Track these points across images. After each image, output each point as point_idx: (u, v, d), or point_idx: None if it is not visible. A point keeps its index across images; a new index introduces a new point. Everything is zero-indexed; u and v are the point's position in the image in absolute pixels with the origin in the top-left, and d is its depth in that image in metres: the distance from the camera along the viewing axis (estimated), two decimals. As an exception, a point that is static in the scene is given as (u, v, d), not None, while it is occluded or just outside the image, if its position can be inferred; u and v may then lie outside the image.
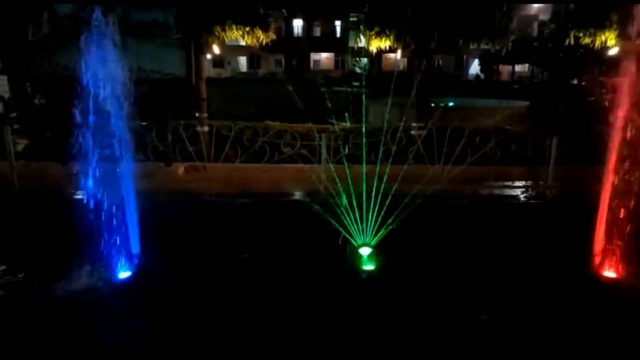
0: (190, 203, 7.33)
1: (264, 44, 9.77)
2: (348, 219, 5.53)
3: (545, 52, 26.27)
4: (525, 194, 8.57)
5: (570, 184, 7.73)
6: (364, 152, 5.84)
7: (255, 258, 5.76)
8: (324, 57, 53.34)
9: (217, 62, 46.41)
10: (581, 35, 9.57)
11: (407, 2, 8.49)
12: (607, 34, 9.16)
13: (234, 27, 9.30)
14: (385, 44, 9.71)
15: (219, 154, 9.25)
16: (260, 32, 9.48)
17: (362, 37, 9.49)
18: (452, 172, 8.47)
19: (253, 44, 9.71)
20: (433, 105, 16.92)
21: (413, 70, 10.90)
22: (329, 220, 5.53)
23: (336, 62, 52.09)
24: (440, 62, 44.37)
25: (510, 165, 9.26)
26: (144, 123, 8.75)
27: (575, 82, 25.03)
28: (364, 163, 5.76)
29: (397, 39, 9.51)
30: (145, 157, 8.69)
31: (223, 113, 11.65)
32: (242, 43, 10.00)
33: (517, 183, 9.07)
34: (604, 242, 5.40)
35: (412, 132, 10.27)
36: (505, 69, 45.24)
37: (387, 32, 9.46)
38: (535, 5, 39.95)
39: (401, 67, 29.26)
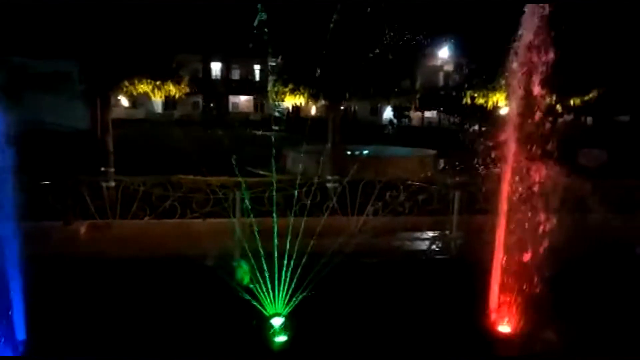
0: (85, 268, 6.79)
1: (176, 97, 9.62)
2: (258, 284, 5.41)
3: (449, 101, 28.37)
4: (431, 247, 8.99)
5: (473, 235, 8.20)
6: (274, 207, 5.76)
7: (153, 337, 5.38)
8: (243, 100, 53.59)
9: (130, 102, 44.99)
10: (476, 95, 10.43)
11: (320, 60, 8.80)
12: (497, 95, 10.08)
13: (143, 81, 9.08)
14: (299, 100, 9.97)
15: (127, 211, 8.82)
16: (172, 85, 9.33)
17: (275, 94, 9.67)
18: (366, 225, 8.73)
19: (162, 98, 9.53)
20: (349, 153, 17.52)
21: (334, 118, 11.26)
22: (237, 286, 5.39)
23: (255, 105, 52.50)
24: (356, 107, 46.21)
25: (419, 215, 9.71)
26: (41, 179, 8.18)
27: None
28: (274, 219, 5.65)
29: (312, 96, 9.81)
30: (42, 216, 8.07)
31: (134, 162, 11.20)
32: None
33: (425, 235, 9.50)
34: (498, 297, 5.71)
35: (328, 185, 10.51)
36: (416, 114, 48.02)
37: (302, 90, 9.73)
38: (441, 57, 43.10)
39: (320, 113, 30.11)
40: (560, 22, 5.87)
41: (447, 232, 9.53)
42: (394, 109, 41.72)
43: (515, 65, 5.71)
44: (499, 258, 5.74)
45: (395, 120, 42.98)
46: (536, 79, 5.76)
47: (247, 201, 7.00)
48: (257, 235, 5.53)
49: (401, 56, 9.74)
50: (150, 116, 46.12)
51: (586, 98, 16.23)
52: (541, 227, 5.64)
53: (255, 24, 5.45)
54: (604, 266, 7.13)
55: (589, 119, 35.46)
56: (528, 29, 5.51)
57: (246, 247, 5.64)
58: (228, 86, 50.16)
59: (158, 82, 9.20)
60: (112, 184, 9.08)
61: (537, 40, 5.48)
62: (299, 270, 5.40)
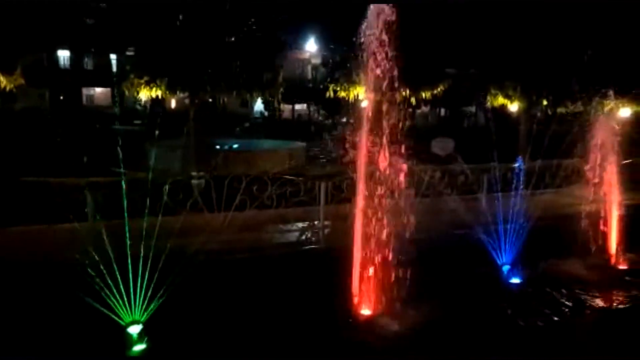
0: None
1: (7, 89, 8.49)
2: (112, 291, 5.01)
3: (314, 94, 29.12)
4: (300, 238, 9.16)
5: (339, 224, 8.51)
6: (125, 206, 5.37)
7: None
8: (99, 92, 49.47)
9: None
10: (338, 89, 10.80)
11: (175, 51, 8.40)
12: (358, 88, 10.54)
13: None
14: (155, 93, 9.42)
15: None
16: (2, 77, 8.21)
17: (131, 86, 9.02)
18: (233, 221, 8.58)
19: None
20: (217, 147, 17.11)
21: (198, 111, 10.84)
22: (89, 293, 4.94)
23: (113, 97, 48.66)
24: (226, 99, 45.31)
25: (287, 208, 9.82)
26: None
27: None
28: (126, 220, 5.26)
29: (170, 88, 9.31)
30: None
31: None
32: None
33: (293, 227, 9.65)
34: (359, 282, 6.01)
35: (193, 182, 10.12)
36: (287, 107, 48.53)
37: (158, 82, 9.20)
38: (308, 50, 44.06)
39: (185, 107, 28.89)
40: (407, 20, 6.29)
41: (315, 222, 9.78)
42: (264, 102, 41.75)
43: (365, 60, 5.99)
44: (358, 245, 6.03)
45: (266, 113, 43.05)
46: (385, 73, 6.12)
47: (92, 202, 6.44)
48: (108, 239, 5.12)
49: (261, 48, 9.70)
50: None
51: (435, 91, 17.62)
52: (395, 213, 6.04)
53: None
54: (452, 246, 7.87)
55: (443, 111, 38.99)
56: (374, 25, 5.81)
57: (97, 252, 5.19)
58: (80, 77, 45.68)
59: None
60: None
61: (383, 36, 5.80)
62: (157, 274, 5.11)
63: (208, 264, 6.27)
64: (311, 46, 40.75)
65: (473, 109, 40.78)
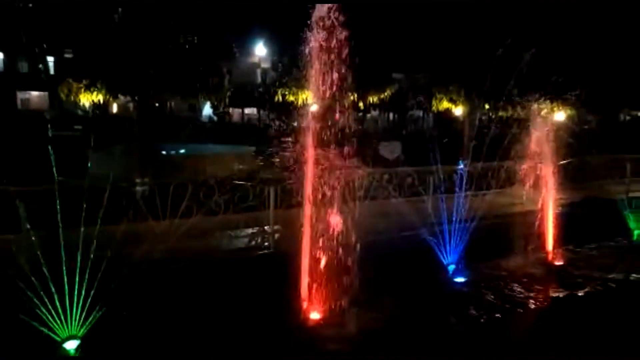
0: None
1: None
2: (47, 305, 4.73)
3: (262, 98, 28.93)
4: (249, 243, 9.02)
5: (288, 228, 8.45)
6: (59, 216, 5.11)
7: None
8: (35, 96, 47.06)
9: None
10: (286, 93, 10.76)
11: (116, 55, 8.09)
12: (306, 93, 10.52)
13: None
14: (97, 97, 9.05)
15: None
16: None
17: (67, 90, 8.60)
18: (180, 228, 8.35)
19: None
20: (164, 153, 16.64)
21: (142, 115, 10.48)
22: (22, 309, 4.66)
23: (52, 101, 46.37)
24: (173, 104, 44.20)
25: (236, 213, 9.67)
26: None
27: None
28: (59, 231, 5.00)
29: (110, 92, 8.96)
30: None
31: None
32: None
33: (242, 232, 9.50)
34: (308, 285, 5.99)
35: (137, 189, 9.80)
36: (236, 110, 47.92)
37: (99, 86, 8.83)
38: (257, 54, 43.74)
39: (131, 110, 27.98)
40: (354, 25, 6.34)
41: (265, 227, 9.67)
42: (213, 106, 41.10)
43: (310, 64, 5.99)
44: (306, 249, 6.01)
45: (214, 117, 42.35)
46: (332, 77, 6.14)
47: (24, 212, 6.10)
48: (42, 251, 4.85)
49: (206, 53, 9.53)
50: None
51: (382, 96, 17.91)
52: (342, 216, 6.07)
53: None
54: (399, 248, 7.98)
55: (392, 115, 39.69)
56: (319, 29, 5.82)
57: (31, 265, 4.90)
58: (14, 80, 43.29)
59: None
60: None
61: (328, 40, 5.82)
62: (96, 285, 4.89)
63: (152, 273, 6.07)
64: (260, 50, 40.48)
65: (420, 113, 41.82)
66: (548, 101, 12.13)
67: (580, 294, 7.33)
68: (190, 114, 46.92)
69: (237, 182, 10.46)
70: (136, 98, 9.37)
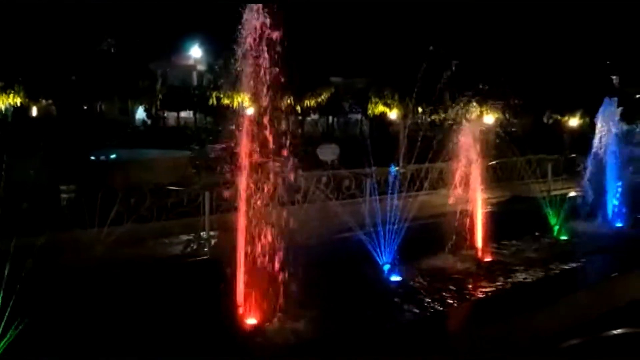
0: None
1: None
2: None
3: (197, 102, 28.30)
4: (184, 250, 8.80)
5: (224, 234, 8.30)
6: None
7: None
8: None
9: None
10: (222, 96, 10.59)
11: (35, 55, 7.63)
12: (242, 96, 10.40)
13: None
14: (14, 100, 8.50)
15: None
16: None
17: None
18: (109, 237, 7.99)
19: None
20: (93, 158, 15.86)
21: (66, 119, 9.92)
22: None
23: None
24: (103, 107, 42.28)
25: (169, 220, 9.40)
26: None
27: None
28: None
29: (29, 96, 8.44)
30: None
31: None
32: None
33: (177, 239, 9.26)
34: (243, 291, 5.90)
35: (63, 196, 9.33)
36: (172, 114, 46.57)
37: (16, 88, 8.29)
38: (194, 56, 42.72)
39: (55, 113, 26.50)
40: (289, 27, 6.32)
41: (201, 233, 9.46)
42: (146, 109, 39.75)
43: (243, 66, 5.93)
44: (242, 255, 5.92)
45: (148, 121, 40.98)
46: (266, 80, 6.10)
47: None
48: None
49: (134, 55, 9.20)
50: None
51: (319, 99, 18.04)
52: (280, 220, 6.03)
53: None
54: (336, 250, 8.06)
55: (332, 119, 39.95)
56: (251, 32, 5.77)
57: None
58: None
59: None
60: None
61: (261, 44, 5.78)
62: (13, 300, 4.55)
63: (79, 284, 5.76)
64: (196, 52, 39.53)
65: (359, 116, 42.56)
66: (477, 105, 12.70)
67: (506, 287, 7.70)
68: (123, 117, 45.12)
69: (171, 187, 10.19)
70: (57, 101, 8.86)
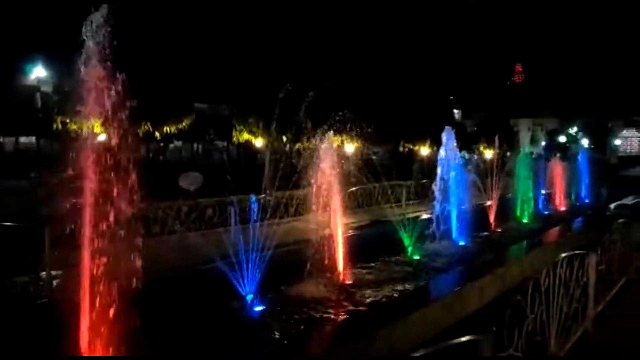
0: None
1: None
2: None
3: (39, 125, 25.70)
4: (22, 292, 7.73)
5: (68, 272, 7.45)
6: None
7: None
8: None
9: None
10: (68, 120, 9.68)
11: None
12: (92, 121, 9.59)
13: None
14: None
15: None
16: None
17: None
18: None
19: None
20: None
21: None
22: None
23: None
24: None
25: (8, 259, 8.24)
26: None
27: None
28: None
29: None
30: None
31: None
32: None
33: (13, 280, 8.14)
34: (89, 334, 5.31)
35: None
36: (10, 139, 41.44)
37: None
38: (37, 76, 38.67)
39: None
40: (148, 55, 5.97)
41: (41, 273, 8.39)
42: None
43: (89, 88, 5.48)
44: (85, 295, 5.34)
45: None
46: (116, 105, 5.69)
47: None
48: None
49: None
50: None
51: (180, 126, 17.48)
52: (134, 254, 5.56)
53: None
54: (196, 283, 7.68)
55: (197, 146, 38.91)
56: (98, 50, 5.38)
57: None
58: None
59: None
60: None
61: (108, 68, 5.40)
62: None
63: None
64: (40, 71, 35.71)
65: (225, 143, 42.10)
66: (337, 134, 13.30)
67: (363, 309, 7.98)
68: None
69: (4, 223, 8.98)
70: None
